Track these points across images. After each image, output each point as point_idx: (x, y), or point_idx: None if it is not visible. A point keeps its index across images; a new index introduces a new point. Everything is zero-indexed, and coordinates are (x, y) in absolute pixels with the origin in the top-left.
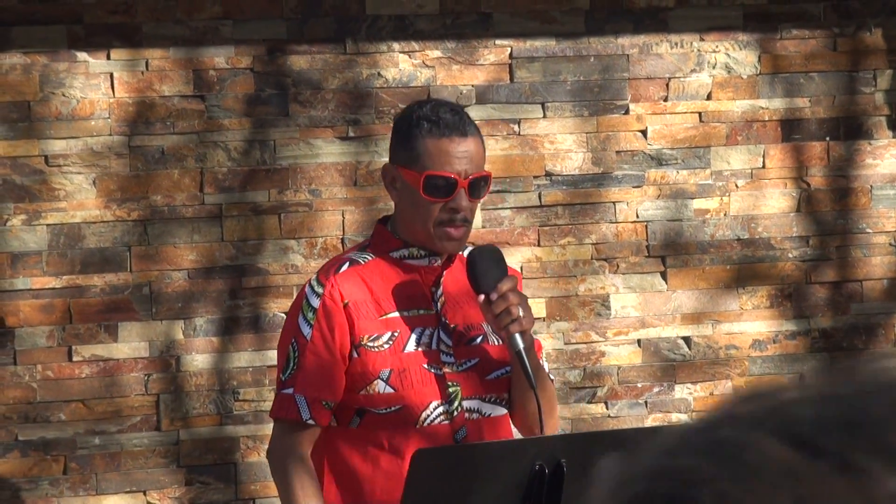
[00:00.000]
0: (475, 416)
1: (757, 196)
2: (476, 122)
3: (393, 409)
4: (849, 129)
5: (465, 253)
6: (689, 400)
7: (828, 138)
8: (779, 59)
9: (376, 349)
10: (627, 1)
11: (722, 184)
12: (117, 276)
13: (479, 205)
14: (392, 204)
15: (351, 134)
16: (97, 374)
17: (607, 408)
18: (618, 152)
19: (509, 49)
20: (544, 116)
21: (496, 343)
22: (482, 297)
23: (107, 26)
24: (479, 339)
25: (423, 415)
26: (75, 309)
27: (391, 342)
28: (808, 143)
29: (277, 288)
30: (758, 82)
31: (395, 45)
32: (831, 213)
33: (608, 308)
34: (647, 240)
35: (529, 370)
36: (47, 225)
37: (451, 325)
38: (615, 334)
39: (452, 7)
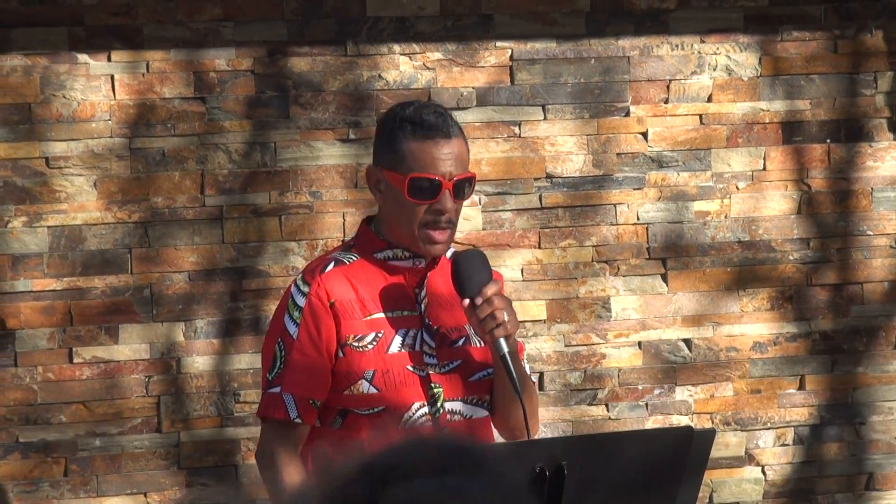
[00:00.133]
0: (457, 417)
1: (757, 198)
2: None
3: (376, 409)
4: (849, 131)
5: (449, 255)
6: (689, 402)
7: (828, 140)
8: (779, 62)
9: (361, 349)
10: (628, 3)
11: (723, 186)
12: (118, 277)
13: (462, 206)
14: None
15: (352, 136)
16: (98, 376)
17: (608, 410)
18: (618, 154)
19: (510, 51)
20: (545, 118)
21: (478, 345)
22: (467, 301)
23: (107, 28)
24: (461, 341)
25: (406, 416)
26: (76, 311)
27: (375, 343)
28: (808, 145)
29: (278, 290)
30: (758, 84)
31: (396, 47)
32: (832, 216)
33: (609, 310)
34: (647, 242)
35: (514, 375)
36: (48, 227)
37: (435, 327)
38: (616, 336)
39: (453, 9)
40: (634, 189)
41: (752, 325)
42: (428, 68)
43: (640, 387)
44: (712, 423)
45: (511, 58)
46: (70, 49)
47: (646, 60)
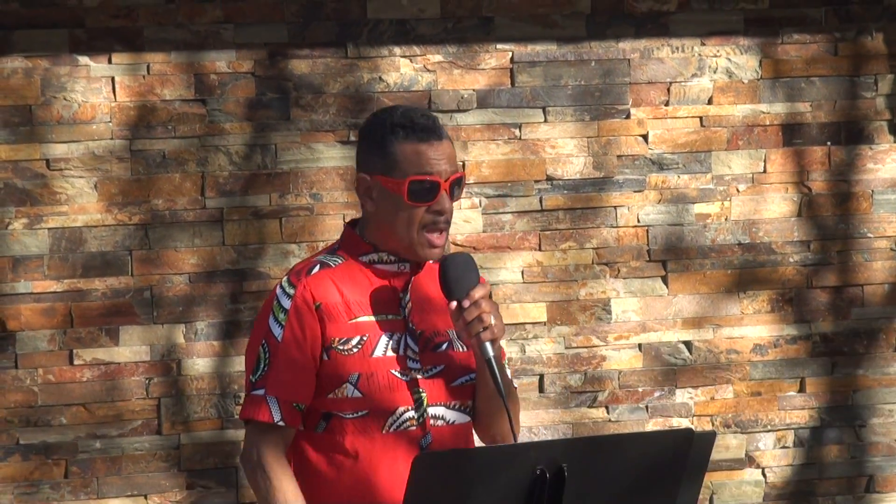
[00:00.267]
0: (440, 422)
1: (758, 200)
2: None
3: (360, 413)
4: (850, 133)
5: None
6: (689, 404)
7: (829, 143)
8: (780, 64)
9: (346, 353)
10: (628, 5)
11: (723, 188)
12: (118, 279)
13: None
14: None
15: (352, 138)
16: (98, 378)
17: (608, 412)
18: (619, 157)
19: (510, 53)
20: (545, 121)
21: (461, 350)
22: (454, 303)
23: (108, 30)
24: (444, 346)
25: (390, 420)
26: (76, 313)
27: (360, 346)
28: (809, 147)
29: None
30: (759, 87)
31: (397, 50)
32: (832, 218)
33: (609, 312)
34: (647, 244)
35: (499, 379)
36: (49, 229)
37: (418, 331)
38: (616, 339)
39: (454, 11)
40: (635, 191)
41: (752, 328)
42: (428, 70)
43: (640, 389)
44: (712, 425)
45: (511, 60)
46: (71, 51)
47: (646, 63)
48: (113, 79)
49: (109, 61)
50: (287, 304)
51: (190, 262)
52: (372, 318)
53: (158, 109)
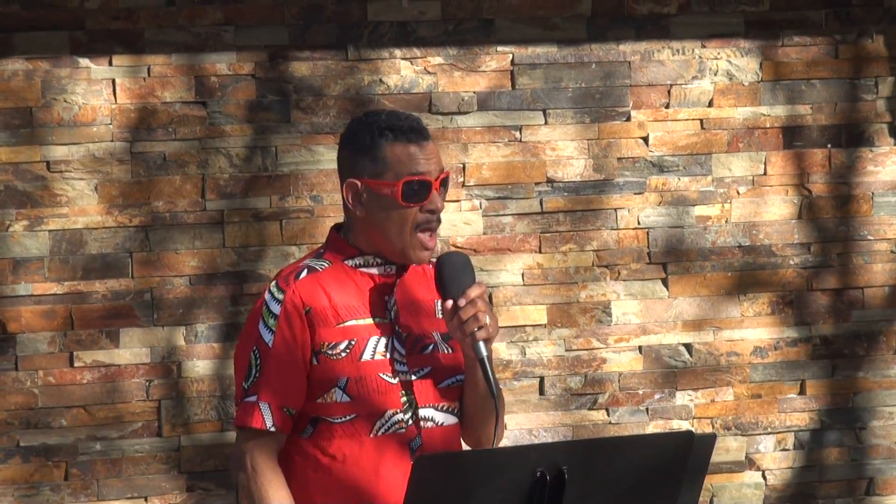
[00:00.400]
0: (429, 424)
1: (758, 203)
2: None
3: (348, 417)
4: (850, 136)
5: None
6: (690, 407)
7: (829, 145)
8: (780, 66)
9: (335, 357)
10: (629, 7)
11: (723, 191)
12: (119, 282)
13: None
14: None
15: None
16: (98, 380)
17: (608, 414)
18: (619, 159)
19: (511, 55)
20: (546, 123)
21: (446, 351)
22: (450, 302)
23: (109, 32)
24: (430, 348)
25: (378, 424)
26: (77, 315)
27: (349, 350)
28: (809, 150)
29: None
30: (759, 89)
31: (397, 52)
32: (833, 220)
33: (609, 315)
34: (648, 246)
35: (492, 378)
36: (49, 231)
37: (404, 334)
38: (616, 341)
39: (454, 13)
40: (635, 194)
41: (752, 330)
42: (429, 73)
43: (640, 391)
44: (713, 427)
45: (512, 62)
46: (71, 53)
47: (647, 65)
48: (113, 81)
49: (110, 63)
50: (277, 309)
51: (190, 265)
52: (360, 322)
53: (159, 112)
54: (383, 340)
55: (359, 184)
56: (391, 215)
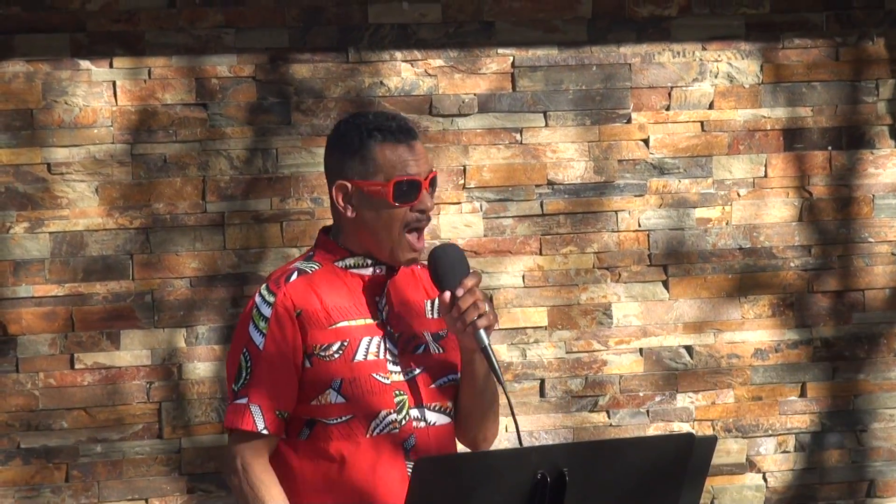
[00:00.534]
0: (422, 424)
1: (759, 205)
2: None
3: (344, 419)
4: (851, 138)
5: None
6: (690, 409)
7: (830, 148)
8: (781, 69)
9: (328, 359)
10: (630, 10)
11: (724, 193)
12: (119, 283)
13: None
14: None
15: None
16: (99, 382)
17: (609, 416)
18: (620, 161)
19: (511, 58)
20: (546, 125)
21: (437, 352)
22: (447, 294)
23: (109, 34)
24: (421, 348)
25: (374, 424)
26: (77, 317)
27: (341, 351)
28: (810, 152)
29: None
30: (760, 91)
31: (398, 54)
32: (833, 223)
33: (610, 317)
34: (648, 249)
35: (496, 365)
36: (50, 233)
37: (396, 334)
38: (617, 343)
39: (455, 16)
40: (636, 196)
41: (753, 332)
42: (429, 75)
43: (641, 393)
44: (713, 429)
45: (512, 65)
46: (72, 55)
47: (647, 67)
48: (114, 83)
49: (111, 65)
50: (268, 311)
51: (191, 267)
52: (352, 323)
53: (159, 114)
54: (376, 341)
55: (349, 185)
56: (381, 215)
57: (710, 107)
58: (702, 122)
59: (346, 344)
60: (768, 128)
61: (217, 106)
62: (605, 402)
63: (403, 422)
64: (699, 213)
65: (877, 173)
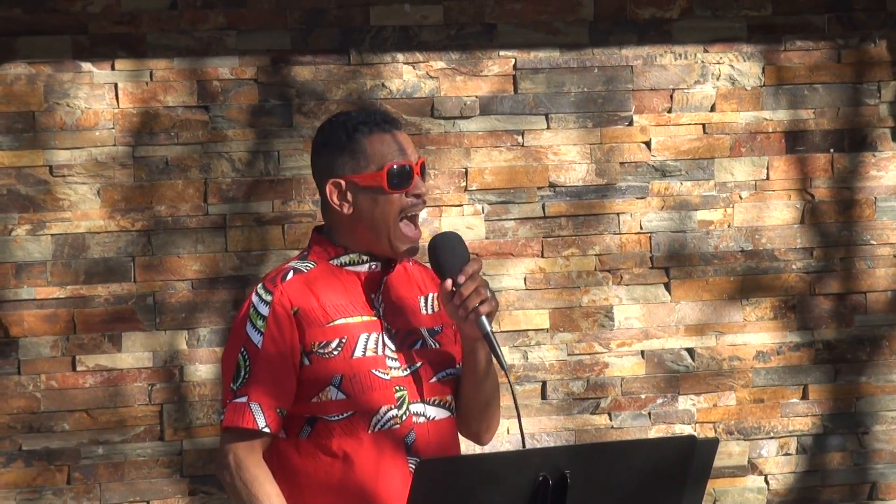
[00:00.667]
0: (422, 419)
1: (761, 207)
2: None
3: (345, 415)
4: (853, 140)
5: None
6: (692, 411)
7: (832, 150)
8: (783, 71)
9: (326, 356)
10: (631, 12)
11: (726, 195)
12: (121, 286)
13: None
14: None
15: None
16: (101, 384)
17: (611, 419)
18: (622, 163)
19: (513, 60)
20: (548, 127)
21: (434, 346)
22: (448, 281)
23: (111, 37)
24: (418, 344)
25: (374, 420)
26: (79, 319)
27: (340, 348)
28: (812, 154)
29: None
30: (762, 94)
31: (400, 56)
32: (835, 225)
33: (612, 319)
34: (650, 251)
35: (499, 351)
36: (51, 235)
37: (393, 330)
38: (619, 345)
39: (457, 18)
40: (637, 198)
41: (755, 335)
42: (431, 77)
43: (642, 396)
44: (715, 432)
45: (514, 67)
46: (74, 57)
47: (649, 70)
48: (116, 85)
49: (112, 68)
50: (265, 310)
51: (192, 269)
52: (349, 320)
53: (161, 116)
54: (374, 337)
55: (342, 182)
56: (378, 204)
57: (712, 109)
58: (703, 125)
59: (344, 341)
60: (770, 130)
61: (219, 108)
62: (606, 405)
63: (404, 417)
64: (701, 215)
65: (879, 176)
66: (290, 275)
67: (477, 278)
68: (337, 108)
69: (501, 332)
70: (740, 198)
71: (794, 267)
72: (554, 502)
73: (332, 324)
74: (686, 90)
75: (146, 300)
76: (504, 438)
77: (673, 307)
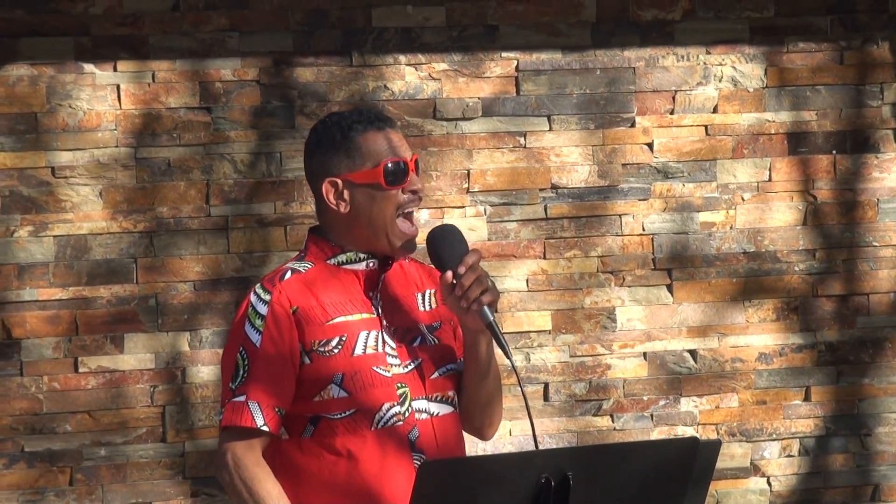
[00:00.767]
0: (425, 416)
1: (763, 209)
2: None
3: (348, 413)
4: (855, 142)
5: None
6: (694, 413)
7: (834, 151)
8: (785, 73)
9: (327, 354)
10: (634, 14)
11: (728, 197)
12: (123, 287)
13: None
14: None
15: None
16: (103, 386)
17: (613, 421)
18: (624, 165)
19: (515, 62)
20: (550, 129)
21: (433, 343)
22: (448, 273)
23: (114, 38)
24: (417, 341)
25: (377, 417)
26: (81, 320)
27: (341, 346)
28: (814, 156)
29: None
30: (764, 95)
31: (402, 58)
32: (838, 227)
33: (614, 321)
34: (652, 253)
35: (503, 339)
36: (54, 236)
37: (392, 328)
38: (621, 347)
39: (459, 19)
40: (640, 200)
41: (757, 336)
42: (433, 79)
43: (645, 397)
44: (717, 434)
45: (517, 68)
46: (76, 59)
47: (651, 71)
48: (118, 86)
49: (115, 69)
50: (263, 309)
51: (195, 270)
52: (348, 318)
53: (163, 117)
54: (373, 335)
55: (339, 181)
56: (376, 201)
57: (715, 111)
58: (706, 126)
59: (344, 339)
60: (772, 132)
61: (221, 109)
62: (609, 406)
63: (407, 414)
64: (703, 216)
65: (881, 177)
66: (288, 274)
67: (477, 268)
68: (339, 109)
69: (504, 333)
70: (742, 199)
71: (796, 268)
72: None
73: (331, 322)
74: (688, 92)
75: (148, 301)
76: (506, 440)
77: (675, 309)
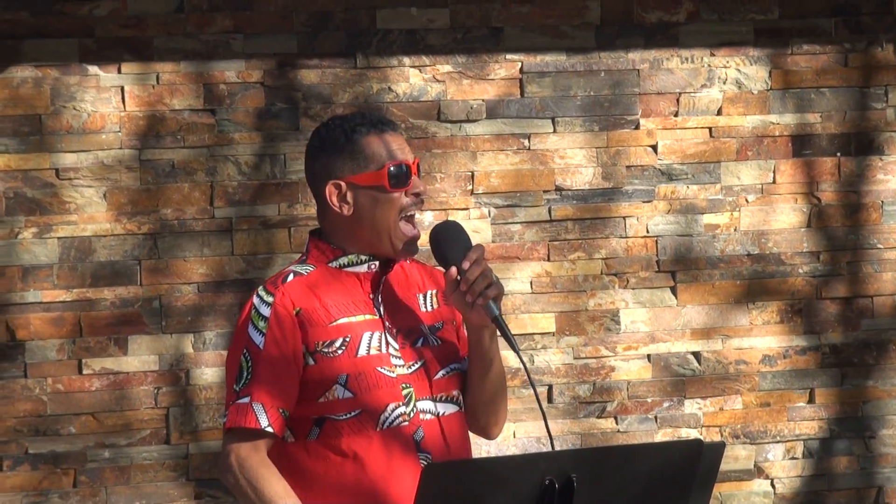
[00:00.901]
0: (430, 416)
1: (767, 211)
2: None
3: (353, 413)
4: (860, 144)
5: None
6: (698, 415)
7: (839, 154)
8: (790, 75)
9: (331, 355)
10: (638, 16)
11: (732, 199)
12: (127, 289)
13: None
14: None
15: None
16: (107, 388)
17: (617, 423)
18: (628, 167)
19: (520, 64)
20: (554, 131)
21: (435, 343)
22: (453, 269)
23: (118, 40)
24: (420, 341)
25: (382, 417)
26: (85, 322)
27: (344, 347)
28: (818, 158)
29: None
30: (768, 97)
31: (406, 60)
32: (842, 229)
33: (618, 323)
34: (656, 255)
35: (510, 333)
36: (58, 238)
37: (395, 329)
38: (625, 349)
39: (463, 21)
40: (644, 202)
41: (761, 339)
42: (438, 81)
43: (649, 399)
44: (721, 436)
45: (521, 70)
46: (80, 61)
47: (656, 73)
48: (122, 88)
49: (119, 71)
50: (266, 311)
51: (199, 272)
52: (351, 319)
53: (167, 119)
54: (377, 336)
55: (342, 184)
56: (379, 203)
57: (719, 113)
58: (710, 128)
59: (348, 340)
60: (777, 134)
61: (225, 111)
62: (613, 409)
63: (412, 414)
64: (707, 219)
65: (886, 179)
66: (291, 277)
67: (482, 263)
68: (343, 111)
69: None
70: (747, 201)
71: (800, 271)
72: None
73: (334, 323)
74: (693, 94)
75: (152, 303)
76: (510, 442)
77: (679, 311)
